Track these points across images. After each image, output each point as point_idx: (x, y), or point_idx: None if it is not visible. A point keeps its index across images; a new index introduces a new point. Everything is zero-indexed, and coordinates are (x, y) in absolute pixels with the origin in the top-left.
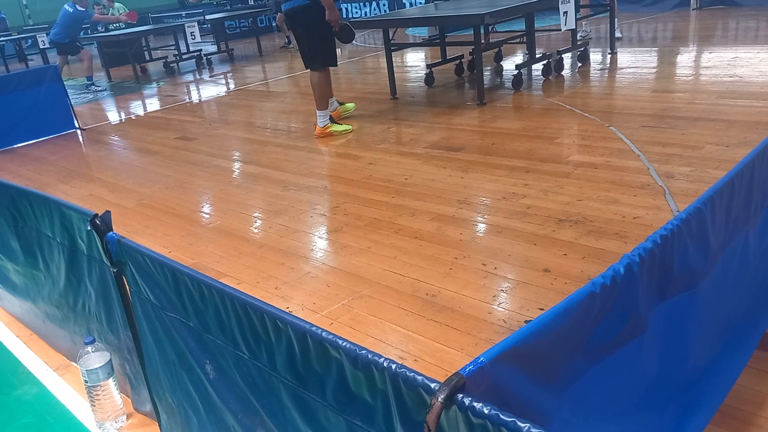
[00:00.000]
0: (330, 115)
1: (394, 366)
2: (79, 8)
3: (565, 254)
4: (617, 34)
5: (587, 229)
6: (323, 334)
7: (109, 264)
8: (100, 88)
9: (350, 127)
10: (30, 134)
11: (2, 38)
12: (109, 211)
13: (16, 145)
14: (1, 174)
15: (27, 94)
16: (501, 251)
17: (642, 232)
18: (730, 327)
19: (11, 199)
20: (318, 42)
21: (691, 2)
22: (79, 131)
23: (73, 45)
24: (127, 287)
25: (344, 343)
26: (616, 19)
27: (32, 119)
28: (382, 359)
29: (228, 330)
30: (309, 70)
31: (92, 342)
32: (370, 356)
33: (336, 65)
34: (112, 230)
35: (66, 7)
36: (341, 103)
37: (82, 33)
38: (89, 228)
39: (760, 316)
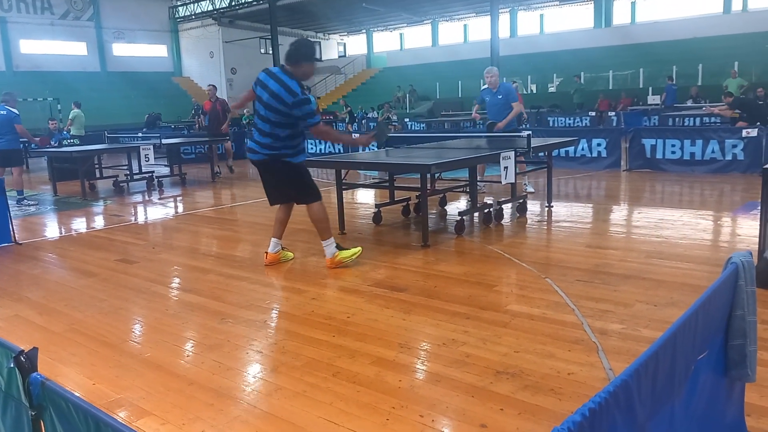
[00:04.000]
0: (336, 243)
1: None
2: (12, 110)
3: (501, 409)
4: (530, 189)
5: (523, 384)
6: None
7: (27, 406)
8: (32, 203)
9: (360, 248)
10: None
11: None
12: (36, 348)
13: None
14: None
15: None
16: (439, 402)
17: (576, 389)
18: None
19: None
20: (301, 180)
21: (622, 164)
22: (14, 245)
23: (16, 153)
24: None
25: None
26: (526, 176)
27: None
28: None
29: None
30: (304, 205)
31: None
32: None
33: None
34: (37, 370)
35: (6, 110)
36: (283, 248)
37: (33, 146)
38: (12, 365)
39: None
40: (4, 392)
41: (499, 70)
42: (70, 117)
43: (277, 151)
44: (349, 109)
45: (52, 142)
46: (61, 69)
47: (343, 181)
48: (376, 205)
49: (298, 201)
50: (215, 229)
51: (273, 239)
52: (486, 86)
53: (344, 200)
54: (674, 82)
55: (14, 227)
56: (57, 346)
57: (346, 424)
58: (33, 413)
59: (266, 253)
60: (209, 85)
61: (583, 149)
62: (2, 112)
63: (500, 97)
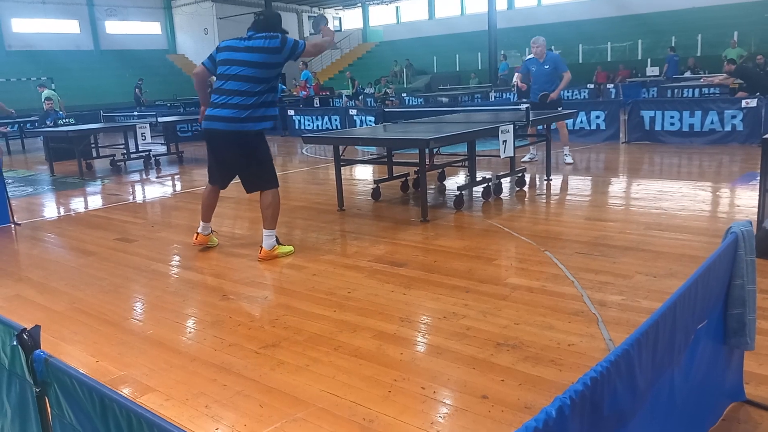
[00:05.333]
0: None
1: None
2: None
3: (502, 380)
4: (568, 160)
5: (524, 355)
6: None
7: (32, 383)
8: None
9: (292, 248)
10: None
11: None
12: (39, 326)
13: None
14: None
15: None
16: (440, 374)
17: (576, 360)
18: None
19: None
20: (269, 161)
21: (621, 136)
22: (13, 226)
23: None
24: (49, 409)
25: None
26: (566, 147)
27: None
28: None
29: None
30: (259, 192)
31: None
32: None
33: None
34: (40, 347)
35: None
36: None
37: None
38: (15, 343)
39: None
40: (8, 370)
41: (496, 44)
42: (44, 98)
43: (244, 122)
44: (356, 83)
45: (48, 122)
46: (53, 48)
47: (341, 157)
48: (375, 181)
49: (258, 186)
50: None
51: (203, 222)
52: (531, 56)
53: (342, 176)
54: (675, 53)
55: (12, 208)
56: (59, 324)
57: (349, 397)
58: (37, 390)
59: (197, 233)
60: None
61: (581, 122)
62: None
63: (547, 66)
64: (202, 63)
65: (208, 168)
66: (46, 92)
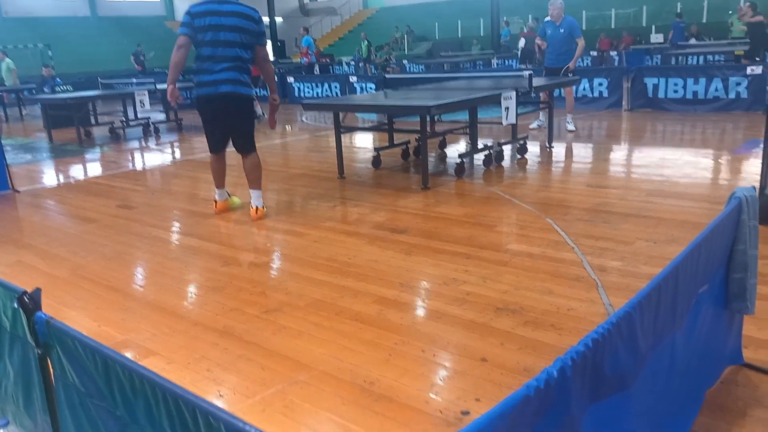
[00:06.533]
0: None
1: None
2: None
3: (502, 344)
4: (570, 127)
5: (524, 319)
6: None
7: (34, 345)
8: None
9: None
10: None
11: None
12: (39, 289)
13: None
14: None
15: None
16: (440, 338)
17: (576, 324)
18: (659, 425)
19: None
20: (253, 125)
21: (623, 104)
22: (13, 193)
23: None
24: (51, 371)
25: None
26: (570, 114)
27: None
28: None
29: (158, 423)
30: (243, 155)
31: (6, 425)
32: None
33: None
34: (41, 309)
35: None
36: (230, 194)
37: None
38: (16, 306)
39: (687, 414)
40: (9, 333)
41: (499, 10)
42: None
43: (244, 86)
44: (370, 48)
45: (45, 89)
46: (50, 14)
47: (342, 124)
48: (375, 149)
49: (244, 148)
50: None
51: (219, 190)
52: (548, 18)
53: (343, 144)
54: (681, 19)
55: (11, 175)
56: (61, 290)
57: (350, 360)
58: (39, 352)
59: (215, 202)
60: None
61: (584, 89)
62: None
63: (563, 30)
64: (183, 33)
65: (208, 138)
66: (6, 61)
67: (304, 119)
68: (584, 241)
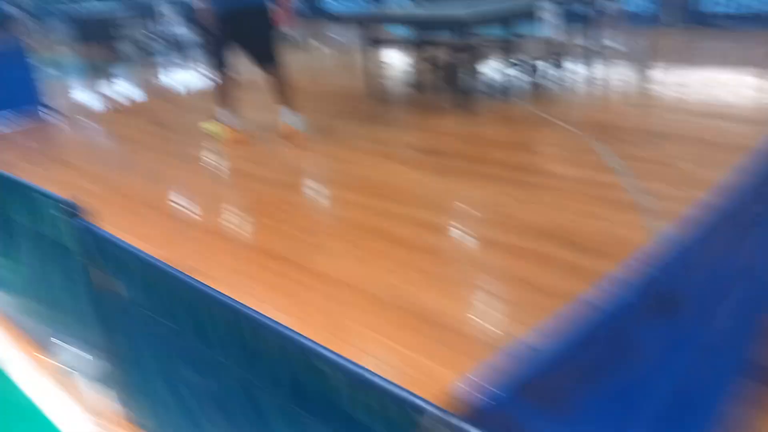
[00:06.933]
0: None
1: (388, 385)
2: None
3: (544, 267)
4: (611, 44)
5: (567, 243)
6: (309, 343)
7: (78, 254)
8: None
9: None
10: None
11: None
12: (79, 197)
13: None
14: None
15: None
16: (481, 261)
17: (620, 248)
18: (720, 352)
19: None
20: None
21: (670, 20)
22: (45, 110)
23: None
24: (97, 278)
25: (332, 356)
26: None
27: None
28: (375, 377)
29: (203, 330)
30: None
31: (62, 337)
32: (366, 374)
33: None
34: (82, 218)
35: None
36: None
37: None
38: (58, 214)
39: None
40: (54, 241)
41: None
42: None
43: None
44: None
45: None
46: None
47: (371, 39)
48: (409, 67)
49: (268, 63)
50: (248, 95)
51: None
52: None
53: (373, 61)
54: None
55: (41, 92)
56: (101, 206)
57: (391, 281)
58: (84, 259)
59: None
60: None
61: (625, 2)
62: None
63: None
64: None
65: (219, 56)
66: None
67: (332, 35)
68: (628, 163)
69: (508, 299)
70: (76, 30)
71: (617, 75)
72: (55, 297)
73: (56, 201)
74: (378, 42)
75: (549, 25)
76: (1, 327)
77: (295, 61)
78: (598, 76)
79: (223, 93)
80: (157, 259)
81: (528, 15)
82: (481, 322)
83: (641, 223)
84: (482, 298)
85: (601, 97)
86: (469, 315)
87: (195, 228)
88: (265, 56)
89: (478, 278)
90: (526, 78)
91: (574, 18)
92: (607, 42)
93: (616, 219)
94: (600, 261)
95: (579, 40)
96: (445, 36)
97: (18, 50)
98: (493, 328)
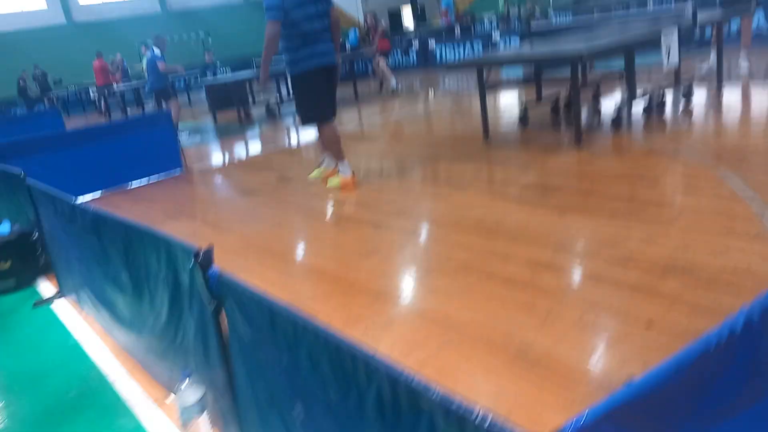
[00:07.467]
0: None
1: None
2: (157, 53)
3: (670, 307)
4: (744, 66)
5: (694, 280)
6: (415, 381)
7: (209, 299)
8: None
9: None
10: (142, 174)
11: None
12: (212, 246)
13: (130, 185)
14: (116, 211)
15: (141, 137)
16: (600, 302)
17: (755, 284)
18: None
19: (124, 234)
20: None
21: None
22: (185, 172)
23: (166, 91)
24: (225, 323)
25: (438, 393)
26: (744, 50)
27: (145, 160)
28: (476, 412)
29: (319, 371)
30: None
31: (189, 376)
32: (465, 409)
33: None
34: (213, 266)
35: (152, 53)
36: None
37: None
38: (192, 263)
39: None
40: (188, 289)
41: None
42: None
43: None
44: (507, 4)
45: (208, 74)
46: (209, 4)
47: (486, 82)
48: (522, 106)
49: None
50: (362, 145)
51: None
52: None
53: (487, 104)
54: None
55: (184, 155)
56: (232, 256)
57: (503, 324)
58: (214, 305)
59: (349, 175)
60: (367, 12)
61: (760, 21)
62: (148, 55)
63: None
64: (274, 19)
65: (323, 107)
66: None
67: (446, 82)
68: (763, 194)
69: (630, 343)
70: (214, 97)
71: (752, 100)
72: (185, 340)
73: (190, 252)
74: (493, 85)
75: (673, 53)
76: (129, 368)
77: (415, 114)
78: (728, 101)
79: (330, 141)
80: (280, 302)
81: (650, 44)
82: (601, 365)
83: None
84: (602, 340)
85: (731, 125)
86: (588, 358)
87: (315, 273)
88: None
89: (598, 320)
90: (648, 109)
91: (698, 42)
92: (741, 63)
93: (752, 252)
94: (735, 300)
95: (705, 66)
96: (563, 72)
97: (165, 120)
98: (614, 372)
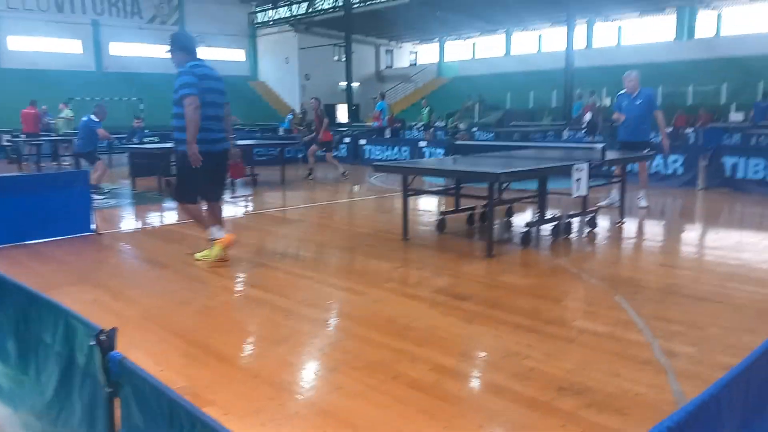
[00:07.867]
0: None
1: None
2: (95, 119)
3: (563, 426)
4: (643, 203)
5: (588, 401)
6: None
7: (105, 383)
8: (100, 198)
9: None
10: (49, 232)
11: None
12: (116, 329)
13: (34, 241)
14: (17, 269)
15: (55, 194)
16: (499, 414)
17: (642, 410)
18: None
19: (20, 301)
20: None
21: (698, 182)
22: (94, 235)
23: (92, 155)
24: (118, 409)
25: None
26: (643, 190)
27: (55, 219)
28: None
29: None
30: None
31: None
32: None
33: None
34: (115, 349)
35: (88, 118)
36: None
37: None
38: (93, 343)
39: None
40: (82, 369)
41: (573, 82)
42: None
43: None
44: (431, 114)
45: (135, 140)
46: (146, 71)
47: (409, 187)
48: (441, 213)
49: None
50: (282, 229)
51: (218, 226)
52: (624, 91)
53: (409, 207)
54: (766, 99)
55: (94, 218)
56: (129, 330)
57: (405, 428)
58: (109, 390)
59: (221, 238)
60: (312, 98)
61: (657, 165)
62: (92, 119)
63: (639, 102)
64: (194, 94)
65: (194, 189)
66: (66, 111)
67: (372, 180)
68: (654, 323)
69: None
70: (136, 163)
71: (648, 233)
72: (69, 423)
73: (93, 331)
74: (416, 191)
75: (582, 184)
76: None
77: (337, 205)
78: (628, 233)
79: (193, 216)
80: (181, 397)
81: (562, 173)
82: None
83: (667, 386)
84: None
85: (630, 255)
86: None
87: (216, 358)
88: (221, 192)
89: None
90: (556, 231)
91: (605, 177)
92: (639, 201)
93: (640, 380)
94: (623, 424)
95: (609, 202)
96: (481, 188)
97: (83, 182)
98: None
